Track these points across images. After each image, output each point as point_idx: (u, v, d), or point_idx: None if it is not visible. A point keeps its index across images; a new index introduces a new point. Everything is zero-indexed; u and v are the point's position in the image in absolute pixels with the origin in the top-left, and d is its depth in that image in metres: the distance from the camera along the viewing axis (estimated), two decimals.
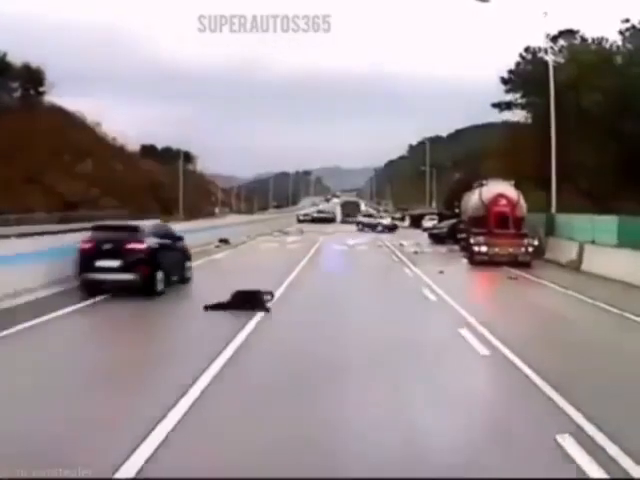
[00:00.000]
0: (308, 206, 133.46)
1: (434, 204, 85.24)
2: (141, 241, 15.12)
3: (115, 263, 14.62)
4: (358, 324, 12.19)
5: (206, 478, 5.21)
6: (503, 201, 25.88)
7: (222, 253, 28.44)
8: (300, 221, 77.09)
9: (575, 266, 23.47)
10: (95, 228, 15.96)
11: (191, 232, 30.98)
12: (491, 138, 70.97)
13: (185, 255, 17.91)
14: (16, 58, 73.40)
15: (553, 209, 30.67)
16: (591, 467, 5.47)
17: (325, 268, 23.33)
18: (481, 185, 27.65)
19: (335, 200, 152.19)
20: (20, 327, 10.83)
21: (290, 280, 18.33)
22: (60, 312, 12.49)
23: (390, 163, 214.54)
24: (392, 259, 27.43)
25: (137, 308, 13.60)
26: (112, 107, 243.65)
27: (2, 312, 12.23)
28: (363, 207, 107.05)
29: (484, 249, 24.49)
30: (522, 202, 26.45)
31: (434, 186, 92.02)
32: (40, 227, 39.13)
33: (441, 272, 21.08)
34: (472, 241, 24.88)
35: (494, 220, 25.55)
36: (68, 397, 7.27)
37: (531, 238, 24.87)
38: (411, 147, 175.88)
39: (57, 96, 79.07)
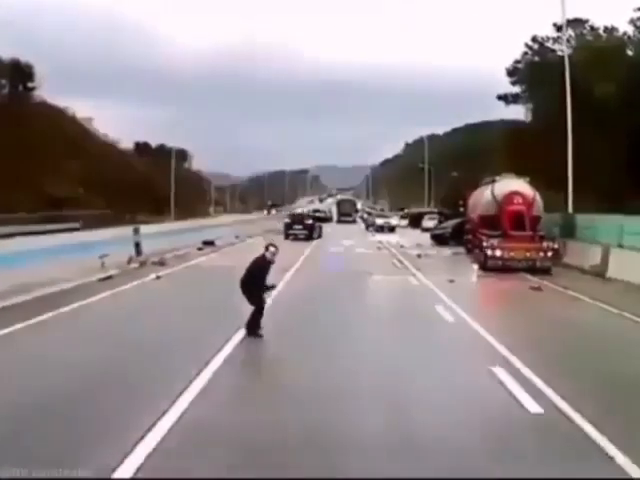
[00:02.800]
0: (305, 205, 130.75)
1: (432, 203, 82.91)
2: (310, 220, 42.95)
3: (300, 227, 40.92)
4: (359, 366, 9.05)
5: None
6: (518, 199, 23.34)
7: (204, 257, 26.10)
8: None
9: (599, 272, 20.79)
10: (291, 214, 47.79)
11: (172, 235, 29.48)
12: (490, 135, 68.66)
13: (320, 228, 44.15)
14: (4, 53, 70.97)
15: (570, 209, 27.99)
16: None
17: (318, 276, 20.48)
18: (493, 181, 25.05)
19: (330, 200, 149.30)
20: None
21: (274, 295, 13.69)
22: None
23: (386, 162, 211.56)
24: (394, 264, 24.63)
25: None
26: (104, 106, 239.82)
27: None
28: (359, 206, 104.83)
29: (498, 253, 21.80)
30: (538, 200, 23.94)
31: (431, 185, 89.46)
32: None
33: (452, 281, 18.41)
34: (485, 244, 22.17)
35: (508, 220, 22.97)
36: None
37: (550, 241, 22.22)
38: (407, 145, 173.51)
39: (48, 93, 76.51)
